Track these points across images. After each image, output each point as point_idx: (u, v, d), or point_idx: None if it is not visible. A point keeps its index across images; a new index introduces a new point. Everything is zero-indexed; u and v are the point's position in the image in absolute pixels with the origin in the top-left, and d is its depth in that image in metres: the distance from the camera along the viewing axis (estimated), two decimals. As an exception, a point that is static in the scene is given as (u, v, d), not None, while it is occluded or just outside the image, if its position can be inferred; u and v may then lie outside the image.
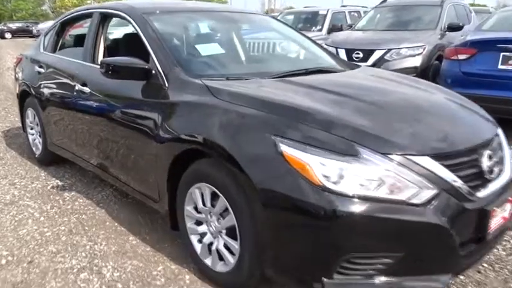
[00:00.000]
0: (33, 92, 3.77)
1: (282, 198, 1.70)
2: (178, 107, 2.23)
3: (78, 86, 3.04)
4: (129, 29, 3.80)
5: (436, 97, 2.39)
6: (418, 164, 1.69)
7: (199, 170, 2.09)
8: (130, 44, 3.10)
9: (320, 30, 9.10)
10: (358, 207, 1.62)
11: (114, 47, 3.20)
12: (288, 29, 3.39)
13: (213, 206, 2.06)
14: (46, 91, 3.59)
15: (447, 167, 1.73)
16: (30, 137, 4.17)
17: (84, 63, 3.14)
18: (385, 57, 6.14)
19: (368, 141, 1.72)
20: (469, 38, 4.87)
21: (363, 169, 1.65)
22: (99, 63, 2.48)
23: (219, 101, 2.05)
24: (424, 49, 6.15)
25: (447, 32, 6.83)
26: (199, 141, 2.02)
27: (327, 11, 9.46)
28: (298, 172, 1.68)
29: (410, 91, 2.40)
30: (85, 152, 3.19)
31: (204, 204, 2.10)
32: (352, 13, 10.11)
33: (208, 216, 2.10)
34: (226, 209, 1.96)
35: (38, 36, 29.19)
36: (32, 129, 4.13)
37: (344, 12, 9.98)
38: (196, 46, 2.69)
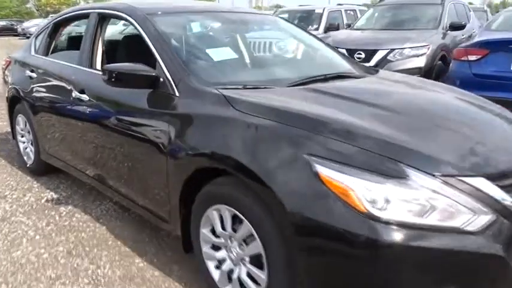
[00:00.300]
0: (25, 98, 3.51)
1: (319, 225, 1.51)
2: (192, 119, 2.01)
3: (75, 93, 2.80)
4: (127, 31, 3.60)
5: (476, 107, 2.21)
6: (472, 185, 1.51)
7: (218, 191, 1.88)
8: (132, 48, 2.88)
9: (317, 29, 8.91)
10: (406, 237, 1.43)
11: (113, 51, 2.96)
12: (298, 29, 3.19)
13: (234, 230, 1.85)
14: (39, 97, 3.34)
15: (503, 188, 1.55)
16: (21, 145, 3.90)
17: (81, 68, 2.90)
18: (388, 57, 5.97)
19: (415, 160, 1.53)
20: (479, 38, 4.72)
21: (412, 193, 1.46)
22: (101, 69, 2.26)
23: (240, 114, 1.84)
24: (428, 49, 6.00)
25: (449, 31, 6.70)
26: (219, 159, 1.82)
27: (323, 10, 9.28)
28: (338, 196, 1.48)
29: (447, 99, 2.22)
30: (82, 163, 2.96)
31: (223, 229, 1.89)
32: (348, 12, 9.95)
33: (229, 241, 1.90)
34: (251, 235, 1.75)
35: (23, 34, 28.59)
36: (22, 136, 3.87)
37: (340, 10, 9.82)
38: (208, 51, 2.47)
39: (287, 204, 1.55)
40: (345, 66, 2.80)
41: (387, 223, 1.43)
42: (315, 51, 2.94)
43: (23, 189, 3.49)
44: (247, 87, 2.13)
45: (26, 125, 3.70)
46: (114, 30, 3.41)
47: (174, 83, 2.15)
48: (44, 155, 3.49)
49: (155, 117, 2.20)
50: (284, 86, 2.19)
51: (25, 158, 3.86)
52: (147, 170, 2.30)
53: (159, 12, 2.61)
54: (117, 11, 2.76)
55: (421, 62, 5.94)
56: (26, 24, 31.60)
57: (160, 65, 2.24)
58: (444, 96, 2.30)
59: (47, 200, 3.27)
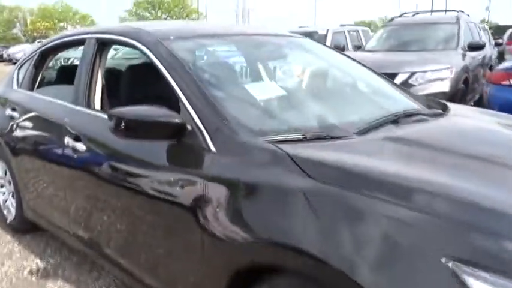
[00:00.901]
0: (5, 142, 2.88)
1: None
2: (239, 188, 1.42)
3: (68, 141, 2.19)
4: (134, 60, 3.01)
5: None
6: None
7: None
8: (142, 83, 2.30)
9: (321, 51, 8.45)
10: None
11: (117, 86, 2.38)
12: (338, 54, 2.64)
13: None
14: (22, 142, 2.72)
15: None
16: (0, 197, 3.25)
17: (76, 107, 2.30)
18: (410, 81, 5.46)
19: None
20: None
21: None
22: (107, 115, 1.66)
23: (318, 185, 1.25)
24: (452, 72, 5.52)
25: (467, 52, 6.26)
26: (285, 254, 1.22)
27: (327, 31, 8.85)
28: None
29: None
30: (74, 227, 2.33)
31: None
32: (352, 32, 9.55)
33: None
34: None
35: (9, 60, 27.81)
36: (2, 187, 3.22)
37: (343, 31, 9.40)
38: (247, 87, 1.89)
39: None
40: (405, 100, 2.24)
41: None
42: (365, 81, 2.37)
43: (0, 255, 2.82)
44: (309, 137, 1.55)
45: (6, 174, 3.06)
46: (118, 61, 2.82)
47: (208, 133, 1.57)
48: (27, 211, 2.85)
49: (180, 179, 1.61)
50: (352, 134, 1.62)
51: (5, 212, 3.20)
52: (169, 249, 1.70)
53: (176, 37, 2.04)
54: (122, 35, 2.19)
55: (445, 86, 5.44)
56: (11, 49, 30.88)
57: (186, 108, 1.66)
58: None
59: (30, 272, 2.60)
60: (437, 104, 2.29)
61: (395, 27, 7.21)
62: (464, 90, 5.83)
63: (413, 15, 7.90)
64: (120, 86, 2.44)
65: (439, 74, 5.48)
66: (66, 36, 2.72)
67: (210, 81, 1.85)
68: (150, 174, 1.76)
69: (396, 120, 1.84)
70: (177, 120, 1.60)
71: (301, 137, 1.54)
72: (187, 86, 1.70)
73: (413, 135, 1.66)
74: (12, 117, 2.83)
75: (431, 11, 7.74)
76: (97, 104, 2.29)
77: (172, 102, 1.74)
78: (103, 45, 2.34)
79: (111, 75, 2.57)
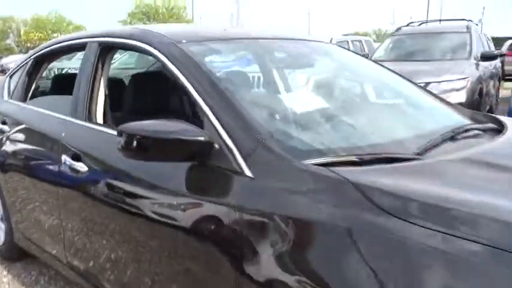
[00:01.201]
0: (-7, 160, 2.57)
1: None
2: (286, 224, 1.12)
3: (66, 159, 1.89)
4: (144, 65, 2.73)
5: None
6: None
7: None
8: (149, 92, 2.01)
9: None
10: None
11: (123, 96, 2.09)
12: (370, 62, 2.36)
13: None
14: (12, 159, 2.42)
15: None
16: (-12, 220, 2.92)
17: (75, 121, 1.99)
18: (423, 92, 5.21)
19: None
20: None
21: None
22: (117, 131, 1.37)
23: (399, 225, 0.96)
24: (468, 82, 5.28)
25: (480, 62, 6.04)
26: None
27: (331, 41, 8.61)
28: None
29: None
30: (71, 257, 2.02)
31: None
32: (355, 42, 9.35)
33: None
34: None
35: (1, 71, 27.41)
36: (-10, 208, 2.89)
37: (347, 41, 9.19)
38: (282, 98, 1.60)
39: None
40: (453, 113, 1.97)
41: None
42: (406, 92, 2.09)
43: (-13, 287, 2.50)
44: (364, 158, 1.26)
45: (-6, 194, 2.74)
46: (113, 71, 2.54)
47: (241, 153, 1.28)
48: (18, 236, 2.53)
49: (203, 208, 1.33)
50: (413, 154, 1.34)
51: (-7, 236, 2.87)
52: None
53: (192, 40, 1.76)
54: (129, 38, 1.90)
55: (461, 97, 5.19)
56: (4, 60, 30.53)
57: (211, 123, 1.37)
58: None
59: (21, 308, 2.28)
60: (485, 118, 2.02)
61: (402, 36, 6.98)
62: (479, 102, 5.60)
63: (420, 25, 7.70)
64: (126, 97, 2.16)
65: (454, 84, 5.24)
66: (64, 41, 2.40)
67: (238, 90, 1.56)
68: (165, 202, 1.46)
69: (453, 136, 1.56)
70: (202, 138, 1.31)
71: (356, 159, 1.25)
72: (213, 97, 1.41)
73: (483, 155, 1.38)
74: (1, 131, 2.52)
75: (440, 20, 7.52)
76: (99, 117, 2.00)
77: (191, 116, 1.46)
78: (106, 50, 2.05)
79: (115, 84, 2.28)
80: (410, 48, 6.56)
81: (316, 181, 1.15)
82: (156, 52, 1.70)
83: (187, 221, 1.37)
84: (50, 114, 2.20)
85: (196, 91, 1.45)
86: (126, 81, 2.29)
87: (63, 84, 2.32)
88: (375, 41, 13.84)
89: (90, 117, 1.97)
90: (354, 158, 1.25)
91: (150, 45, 1.75)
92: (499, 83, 8.11)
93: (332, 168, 1.16)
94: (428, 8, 31.81)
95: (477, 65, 5.90)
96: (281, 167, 1.21)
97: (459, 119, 1.86)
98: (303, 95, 1.71)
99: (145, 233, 1.53)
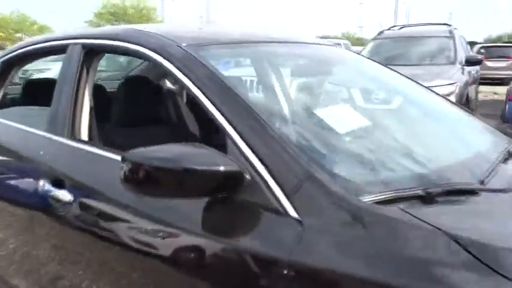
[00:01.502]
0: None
1: None
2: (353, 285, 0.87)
3: (44, 185, 1.56)
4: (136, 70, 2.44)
5: None
6: None
7: None
8: (146, 103, 1.71)
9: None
10: None
11: (109, 109, 1.78)
12: (394, 72, 2.12)
13: None
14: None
15: None
16: None
17: (55, 137, 1.67)
18: (413, 97, 5.08)
19: None
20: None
21: None
22: (121, 158, 1.08)
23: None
24: (456, 87, 5.19)
25: (465, 67, 5.98)
26: None
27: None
28: None
29: None
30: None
31: None
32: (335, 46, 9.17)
33: None
34: None
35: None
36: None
37: (327, 45, 9.00)
38: (321, 115, 1.33)
39: None
40: (488, 129, 1.75)
41: None
42: (439, 107, 1.85)
43: None
44: (434, 193, 1.01)
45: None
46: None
47: (283, 187, 1.01)
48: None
49: (233, 255, 1.05)
50: (477, 184, 1.11)
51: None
52: None
53: (203, 44, 1.47)
54: (120, 40, 1.59)
55: (451, 102, 5.08)
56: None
57: (238, 148, 1.09)
58: None
59: None
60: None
61: (385, 40, 6.88)
62: (467, 107, 5.52)
63: (400, 29, 7.62)
64: (115, 107, 1.85)
65: (444, 89, 5.11)
66: (39, 42, 2.04)
67: (268, 106, 1.28)
68: (179, 245, 1.17)
69: (506, 159, 1.36)
70: (232, 168, 1.03)
71: (423, 193, 1.01)
72: (240, 115, 1.13)
73: None
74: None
75: (420, 24, 7.46)
76: (83, 132, 1.68)
77: (204, 135, 1.18)
78: (92, 54, 1.74)
79: (103, 94, 1.96)
80: (394, 52, 6.45)
81: (390, 227, 0.89)
82: (158, 57, 1.40)
83: (211, 270, 1.09)
84: (23, 129, 1.86)
85: (217, 108, 1.17)
86: (116, 90, 1.97)
87: (40, 93, 1.98)
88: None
89: (72, 132, 1.65)
90: (420, 193, 1.01)
91: (148, 48, 1.45)
92: (478, 86, 8.15)
93: (402, 207, 0.92)
94: (396, 12, 32.23)
95: (463, 69, 5.85)
96: (336, 206, 0.95)
97: (499, 138, 1.66)
98: (341, 111, 1.45)
99: (152, 284, 1.23)
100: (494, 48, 15.11)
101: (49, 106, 1.76)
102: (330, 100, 1.68)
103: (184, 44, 1.36)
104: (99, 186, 1.42)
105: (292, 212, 0.98)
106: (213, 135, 1.34)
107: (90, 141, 1.67)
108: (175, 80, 1.29)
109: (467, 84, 5.64)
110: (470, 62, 5.98)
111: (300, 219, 0.97)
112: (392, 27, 7.66)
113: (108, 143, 1.71)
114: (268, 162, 1.04)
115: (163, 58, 1.38)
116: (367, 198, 0.97)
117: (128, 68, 4.07)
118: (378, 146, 1.27)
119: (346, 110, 1.52)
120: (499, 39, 34.04)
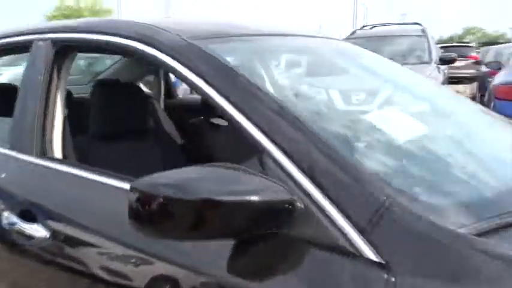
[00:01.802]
0: None
1: None
2: None
3: (7, 216, 1.23)
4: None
5: None
6: None
7: None
8: (134, 110, 1.42)
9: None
10: None
11: (86, 118, 1.47)
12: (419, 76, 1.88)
13: None
14: None
15: None
16: None
17: (20, 156, 1.33)
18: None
19: None
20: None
21: None
22: (130, 188, 0.78)
23: None
24: (435, 86, 5.11)
25: (440, 65, 5.96)
26: None
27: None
28: None
29: None
30: None
31: None
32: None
33: None
34: None
35: None
36: None
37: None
38: (372, 120, 1.08)
39: None
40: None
41: None
42: (476, 113, 1.63)
43: None
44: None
45: None
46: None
47: (352, 220, 0.75)
48: None
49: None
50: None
51: None
52: None
53: (208, 36, 1.19)
54: (111, 34, 1.28)
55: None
56: None
57: (284, 170, 0.82)
58: None
59: None
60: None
61: (359, 40, 6.75)
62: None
63: (372, 28, 7.57)
64: (93, 118, 1.53)
65: (422, 89, 5.05)
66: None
67: (315, 113, 1.02)
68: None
69: None
70: (283, 196, 0.76)
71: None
72: (284, 130, 0.86)
73: None
74: None
75: (392, 24, 7.45)
76: (56, 149, 1.36)
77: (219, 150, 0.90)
78: (64, 52, 1.41)
79: (74, 101, 1.64)
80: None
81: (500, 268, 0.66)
82: (157, 53, 1.11)
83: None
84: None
85: (247, 117, 0.89)
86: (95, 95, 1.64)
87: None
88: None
89: (43, 149, 1.32)
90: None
91: (143, 42, 1.16)
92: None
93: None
94: (355, 15, 32.80)
95: (438, 68, 5.82)
96: (433, 242, 0.70)
97: None
98: (393, 115, 1.21)
99: None
100: (453, 48, 15.51)
101: (10, 117, 1.43)
102: (369, 100, 1.44)
103: (193, 37, 1.08)
104: (84, 217, 1.11)
105: (368, 253, 0.72)
106: (226, 149, 1.07)
107: (65, 159, 1.35)
108: (185, 80, 1.00)
109: (443, 84, 5.60)
110: (444, 60, 5.97)
111: (381, 262, 0.71)
112: (364, 26, 7.58)
113: (87, 160, 1.41)
114: (330, 190, 0.77)
115: (169, 56, 1.08)
116: (464, 230, 0.73)
117: (88, 71, 3.70)
118: (445, 159, 1.03)
119: (396, 112, 1.28)
120: (450, 39, 35.31)
